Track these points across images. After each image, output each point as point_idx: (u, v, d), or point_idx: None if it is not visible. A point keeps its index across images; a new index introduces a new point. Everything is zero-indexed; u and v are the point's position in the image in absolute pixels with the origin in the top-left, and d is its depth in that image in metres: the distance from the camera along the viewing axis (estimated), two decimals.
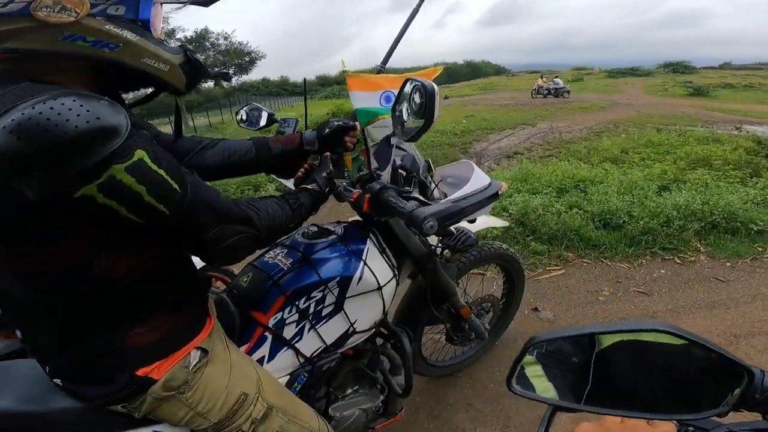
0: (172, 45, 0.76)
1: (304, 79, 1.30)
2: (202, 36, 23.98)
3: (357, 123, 1.17)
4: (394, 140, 1.18)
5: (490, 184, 1.01)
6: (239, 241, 0.79)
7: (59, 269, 0.65)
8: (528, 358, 0.59)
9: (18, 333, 0.77)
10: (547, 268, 2.83)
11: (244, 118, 1.45)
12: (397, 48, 1.30)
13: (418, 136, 0.92)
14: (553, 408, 0.60)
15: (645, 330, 0.52)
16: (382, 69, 1.29)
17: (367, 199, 1.04)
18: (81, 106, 0.55)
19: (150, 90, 0.80)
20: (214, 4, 0.83)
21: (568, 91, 20.62)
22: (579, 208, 3.39)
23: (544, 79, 22.75)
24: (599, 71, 61.01)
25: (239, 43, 25.61)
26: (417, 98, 0.91)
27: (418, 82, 0.90)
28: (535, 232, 3.14)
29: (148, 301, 0.76)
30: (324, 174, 1.14)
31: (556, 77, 23.16)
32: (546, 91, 20.81)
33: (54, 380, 0.78)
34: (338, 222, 1.28)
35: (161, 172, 0.62)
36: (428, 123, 0.88)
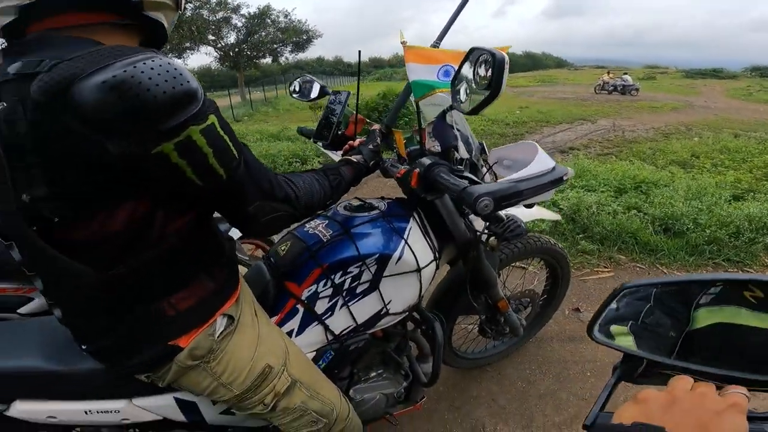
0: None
1: (359, 53, 1.22)
2: (264, 13, 24.37)
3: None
4: (449, 118, 1.11)
5: (554, 167, 0.91)
6: (276, 218, 0.80)
7: (115, 233, 0.66)
8: (617, 327, 0.56)
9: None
10: (595, 269, 2.65)
11: (297, 89, 1.45)
12: (450, 29, 1.21)
13: (480, 109, 0.83)
14: (618, 377, 0.56)
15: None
16: (436, 46, 1.21)
17: (416, 174, 1.00)
18: (175, 69, 0.58)
19: None
20: None
21: (637, 89, 19.24)
22: (638, 210, 3.14)
23: (611, 75, 21.42)
24: (675, 71, 56.52)
25: (298, 21, 25.86)
26: (482, 70, 0.82)
27: (486, 51, 0.81)
28: (586, 230, 2.94)
29: (187, 265, 0.77)
30: (371, 146, 1.12)
31: (625, 73, 21.71)
32: (611, 87, 19.60)
33: (81, 345, 0.79)
34: (382, 198, 1.24)
35: (226, 137, 0.65)
36: (494, 94, 0.79)
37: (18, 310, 1.47)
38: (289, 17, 25.26)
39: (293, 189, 0.83)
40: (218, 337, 0.80)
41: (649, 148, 6.89)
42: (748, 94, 22.14)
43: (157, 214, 0.69)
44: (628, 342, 0.55)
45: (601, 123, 10.21)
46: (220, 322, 0.82)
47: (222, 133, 0.64)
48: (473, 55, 0.85)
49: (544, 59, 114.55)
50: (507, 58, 0.77)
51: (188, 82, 0.59)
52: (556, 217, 1.58)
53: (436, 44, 1.22)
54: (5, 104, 0.60)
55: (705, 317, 0.50)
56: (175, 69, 0.58)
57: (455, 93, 0.91)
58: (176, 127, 0.58)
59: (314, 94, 1.39)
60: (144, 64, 0.56)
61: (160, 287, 0.75)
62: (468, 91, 0.88)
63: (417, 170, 1.00)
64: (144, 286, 0.73)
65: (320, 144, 1.31)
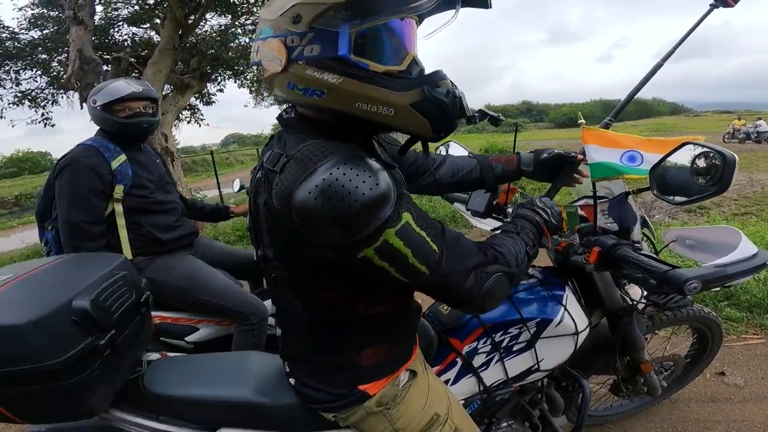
0: (415, 73, 0.67)
1: (515, 127, 1.27)
2: None
3: (579, 155, 1.16)
4: (632, 200, 1.16)
5: (757, 253, 0.92)
6: (495, 283, 0.75)
7: (333, 302, 0.78)
8: None
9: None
10: (743, 336, 2.43)
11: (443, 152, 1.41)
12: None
13: (696, 202, 0.90)
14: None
15: None
16: (611, 122, 1.26)
17: (596, 252, 1.02)
18: (364, 172, 0.59)
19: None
20: None
21: None
22: None
23: (742, 121, 19.01)
24: None
25: None
26: (701, 163, 0.88)
27: (709, 148, 0.87)
28: (731, 297, 2.71)
29: (384, 331, 0.85)
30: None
31: (759, 119, 18.95)
32: (743, 135, 17.36)
33: (289, 379, 0.89)
34: (533, 266, 1.27)
35: (423, 233, 0.65)
36: (720, 191, 0.85)
37: (185, 338, 1.66)
38: None
39: (497, 249, 0.80)
40: (401, 387, 0.86)
41: None
42: None
43: (360, 301, 0.77)
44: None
45: (736, 177, 9.04)
46: (404, 376, 0.88)
47: (418, 229, 0.64)
48: (686, 148, 0.90)
49: (655, 105, 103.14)
50: (737, 159, 0.82)
51: (381, 183, 0.59)
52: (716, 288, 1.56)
53: (610, 120, 1.24)
54: (260, 174, 0.72)
55: None
56: (369, 169, 0.60)
57: (653, 183, 0.96)
58: (374, 232, 0.60)
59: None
60: (345, 165, 0.58)
61: (349, 342, 0.83)
62: (678, 182, 0.93)
63: (597, 248, 1.02)
64: (338, 336, 0.83)
65: (470, 213, 1.35)
